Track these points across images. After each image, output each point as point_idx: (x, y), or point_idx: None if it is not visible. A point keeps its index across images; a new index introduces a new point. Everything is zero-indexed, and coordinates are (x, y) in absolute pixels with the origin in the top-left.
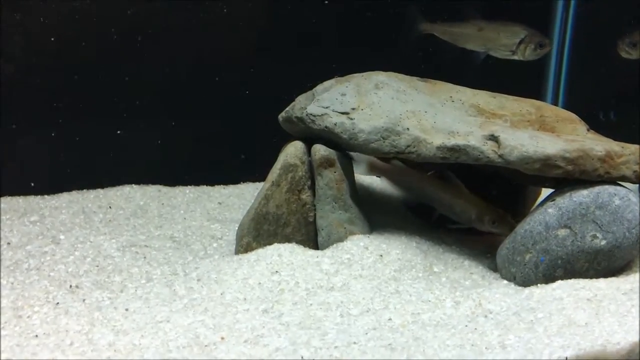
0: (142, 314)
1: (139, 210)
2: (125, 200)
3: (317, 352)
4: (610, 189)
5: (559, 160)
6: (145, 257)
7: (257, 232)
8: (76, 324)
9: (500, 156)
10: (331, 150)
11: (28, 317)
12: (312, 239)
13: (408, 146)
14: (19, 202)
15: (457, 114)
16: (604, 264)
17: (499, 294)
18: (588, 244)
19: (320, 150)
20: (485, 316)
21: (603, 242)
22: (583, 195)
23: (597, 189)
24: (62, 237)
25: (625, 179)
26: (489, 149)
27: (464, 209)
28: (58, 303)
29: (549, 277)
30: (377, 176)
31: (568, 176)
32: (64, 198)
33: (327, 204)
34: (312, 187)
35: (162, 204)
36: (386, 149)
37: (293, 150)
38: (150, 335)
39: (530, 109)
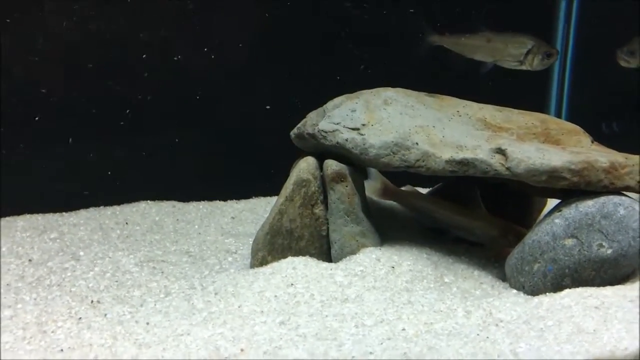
0: (162, 327)
1: (155, 225)
2: (141, 216)
3: None
4: (615, 199)
5: (565, 172)
6: (162, 272)
7: (272, 246)
8: (99, 338)
9: (507, 169)
10: (342, 165)
11: (52, 332)
12: (325, 252)
13: (417, 160)
14: (38, 219)
15: (465, 128)
16: (610, 272)
17: (509, 303)
18: (594, 253)
19: (332, 165)
20: (496, 325)
21: (609, 251)
22: (589, 206)
23: (602, 199)
24: (81, 253)
25: (629, 189)
26: (496, 162)
27: (484, 231)
28: (80, 318)
29: (557, 286)
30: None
31: (574, 187)
32: (81, 215)
33: (340, 217)
34: (325, 202)
35: (177, 219)
36: (396, 163)
37: (305, 166)
38: (172, 348)
39: (535, 122)
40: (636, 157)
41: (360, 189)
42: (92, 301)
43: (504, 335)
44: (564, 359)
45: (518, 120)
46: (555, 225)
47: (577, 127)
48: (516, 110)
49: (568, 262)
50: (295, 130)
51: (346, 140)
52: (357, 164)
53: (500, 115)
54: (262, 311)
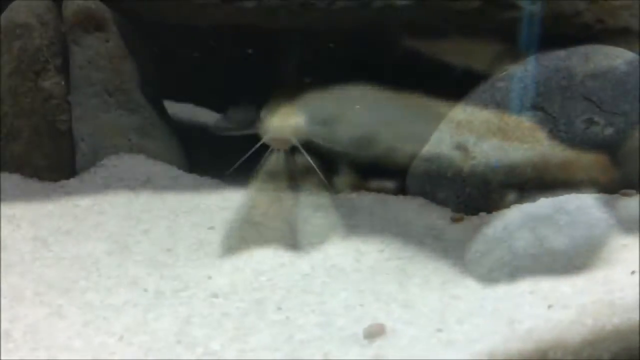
0: (130, 315)
1: None
2: None
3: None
4: (605, 48)
5: None
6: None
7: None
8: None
9: None
10: (99, 1)
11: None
12: None
13: None
14: None
15: None
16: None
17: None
18: (581, 134)
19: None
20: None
21: (609, 131)
22: (560, 58)
23: (582, 49)
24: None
25: (628, 33)
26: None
27: None
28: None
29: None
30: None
31: None
32: None
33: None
34: (65, 69)
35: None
36: None
37: (25, 3)
38: (139, 334)
39: None
40: None
41: (141, 56)
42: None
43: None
44: None
45: None
46: (499, 92)
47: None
48: None
49: (529, 154)
50: None
51: None
52: (133, 9)
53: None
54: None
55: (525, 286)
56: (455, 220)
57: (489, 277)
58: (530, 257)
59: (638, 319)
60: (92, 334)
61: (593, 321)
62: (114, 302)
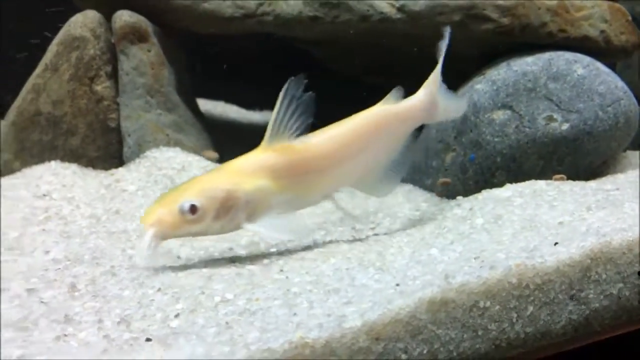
0: (166, 274)
1: None
2: None
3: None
4: (566, 54)
5: (490, 10)
6: None
7: (22, 145)
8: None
9: (399, 9)
10: (142, 17)
11: None
12: (115, 155)
13: (261, 4)
14: None
15: None
16: (568, 160)
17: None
18: (541, 129)
19: (124, 15)
20: None
21: (565, 127)
22: (527, 63)
23: (547, 54)
24: None
25: (588, 41)
26: (382, 1)
27: None
28: None
29: (483, 184)
30: None
31: (503, 36)
32: None
33: (136, 97)
34: (114, 75)
35: None
36: (228, 11)
37: (81, 19)
38: (173, 287)
39: None
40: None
41: (177, 62)
42: None
43: None
44: None
45: None
46: (476, 93)
47: None
48: None
49: (500, 147)
50: None
51: None
52: (170, 21)
53: None
54: None
55: (471, 253)
56: (442, 183)
57: (450, 247)
58: (484, 230)
59: None
60: (137, 287)
61: None
62: (154, 265)
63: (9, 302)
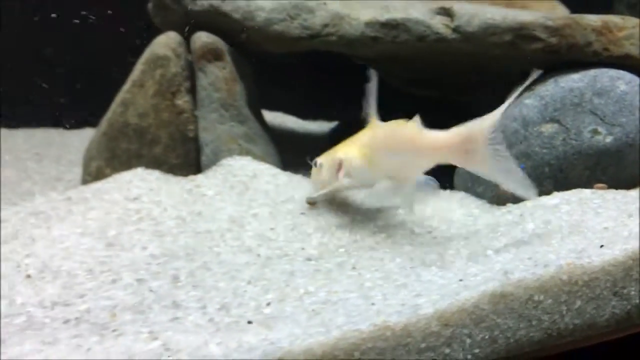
0: (252, 269)
1: None
2: None
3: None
4: (610, 72)
5: (539, 30)
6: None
7: (112, 153)
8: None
9: (454, 30)
10: (217, 38)
11: None
12: (192, 163)
13: (326, 25)
14: None
15: None
16: (611, 170)
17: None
18: (587, 142)
19: (202, 37)
20: None
21: (609, 139)
22: (574, 80)
23: (592, 71)
24: None
25: (629, 58)
26: (438, 22)
27: None
28: None
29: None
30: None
31: (551, 55)
32: None
33: (213, 111)
34: (193, 90)
35: None
36: (295, 31)
37: (164, 40)
38: (260, 280)
39: None
40: (636, 19)
41: (246, 78)
42: None
43: None
44: None
45: None
46: (525, 107)
47: None
48: None
49: (548, 157)
50: None
51: (223, 1)
52: (242, 42)
53: None
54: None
55: (525, 254)
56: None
57: (504, 249)
58: (535, 235)
59: None
60: (229, 279)
61: None
62: (239, 261)
63: (123, 289)
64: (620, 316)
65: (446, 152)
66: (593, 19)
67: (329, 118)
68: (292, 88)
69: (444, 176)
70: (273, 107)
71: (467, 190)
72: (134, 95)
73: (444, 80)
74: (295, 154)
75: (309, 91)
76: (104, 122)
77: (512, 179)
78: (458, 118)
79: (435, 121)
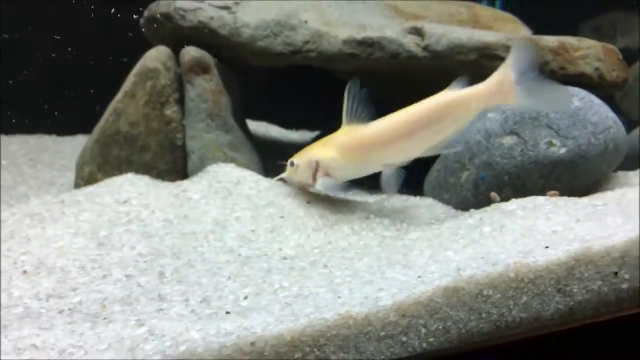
0: (233, 267)
1: None
2: None
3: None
4: (567, 88)
5: (502, 50)
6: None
7: (104, 159)
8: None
9: (424, 48)
10: (205, 52)
11: None
12: (180, 169)
13: (306, 42)
14: None
15: (370, 13)
16: (565, 179)
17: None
18: (542, 153)
19: (190, 51)
20: None
21: (562, 150)
22: None
23: None
24: None
25: (584, 77)
26: (410, 41)
27: None
28: None
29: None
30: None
31: None
32: None
33: (200, 120)
34: (181, 101)
35: None
36: (278, 47)
37: (155, 54)
38: (240, 276)
39: (460, 9)
40: (591, 40)
41: (232, 90)
42: None
43: None
44: None
45: (438, 8)
46: (488, 121)
47: (513, 16)
48: None
49: (507, 167)
50: (146, 13)
51: (211, 18)
52: (229, 56)
53: (416, 3)
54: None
55: (479, 254)
56: (551, 195)
57: (463, 250)
58: (491, 237)
59: None
60: (211, 276)
61: None
62: (221, 260)
63: (112, 284)
64: (563, 311)
65: (490, 96)
66: (550, 40)
67: (311, 128)
68: (276, 99)
69: (415, 184)
70: (258, 117)
71: (435, 197)
72: (125, 105)
73: (419, 95)
74: (278, 161)
75: (293, 102)
76: (97, 130)
77: (546, 101)
78: None
79: None
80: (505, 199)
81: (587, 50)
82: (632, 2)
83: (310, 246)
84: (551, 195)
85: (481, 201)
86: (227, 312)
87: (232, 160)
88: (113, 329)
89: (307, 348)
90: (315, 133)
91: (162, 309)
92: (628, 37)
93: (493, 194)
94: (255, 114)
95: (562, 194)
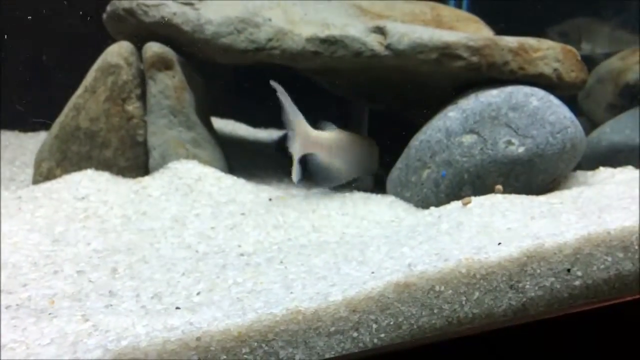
0: (188, 263)
1: None
2: None
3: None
4: (525, 89)
5: (462, 49)
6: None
7: (63, 155)
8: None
9: (387, 47)
10: (168, 48)
11: None
12: (141, 166)
13: (270, 40)
14: None
15: (335, 12)
16: (523, 178)
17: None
18: (501, 152)
19: (153, 47)
20: None
21: (521, 150)
22: (492, 95)
23: (509, 88)
24: None
25: (543, 77)
26: (373, 40)
27: None
28: None
29: (453, 197)
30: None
31: (473, 72)
32: None
33: (162, 117)
34: (143, 98)
35: None
36: (241, 44)
37: (116, 49)
38: (194, 272)
39: (424, 8)
40: (550, 41)
41: (196, 87)
42: None
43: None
44: None
45: (402, 8)
46: (449, 120)
47: (475, 17)
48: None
49: (467, 165)
50: (108, 7)
51: (174, 14)
52: (192, 52)
53: (380, 3)
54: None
55: (434, 251)
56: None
57: (419, 247)
58: (447, 234)
59: None
60: (165, 272)
61: None
62: (177, 256)
63: (63, 280)
64: (516, 307)
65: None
66: (510, 41)
67: (278, 126)
68: (244, 97)
69: (377, 183)
70: (225, 115)
71: (396, 194)
72: (86, 101)
73: (385, 94)
74: (244, 159)
75: (260, 101)
76: (56, 125)
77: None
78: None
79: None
80: (465, 196)
81: (546, 51)
82: (598, 9)
83: (270, 243)
84: (498, 191)
85: (441, 199)
86: (177, 308)
87: (194, 157)
88: (57, 324)
89: (255, 343)
90: (283, 132)
91: (111, 305)
92: (593, 43)
93: (498, 187)
94: (223, 112)
95: (520, 192)
